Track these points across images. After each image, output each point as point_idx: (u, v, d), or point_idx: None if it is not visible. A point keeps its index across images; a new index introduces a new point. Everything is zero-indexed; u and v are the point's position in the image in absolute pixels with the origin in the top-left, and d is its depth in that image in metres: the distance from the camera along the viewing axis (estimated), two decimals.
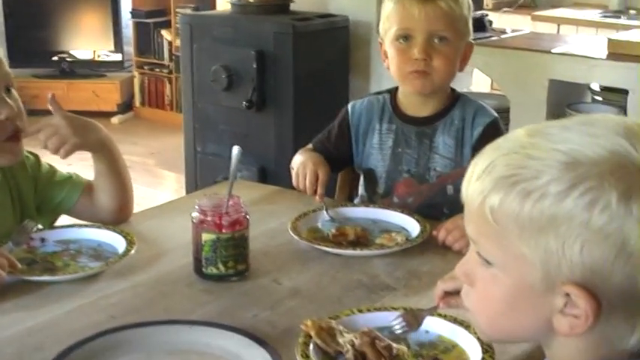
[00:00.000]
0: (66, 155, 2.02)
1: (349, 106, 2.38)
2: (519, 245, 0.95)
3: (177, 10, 6.90)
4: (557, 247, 0.92)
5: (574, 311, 0.94)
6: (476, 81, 4.26)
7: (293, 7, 3.90)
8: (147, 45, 7.35)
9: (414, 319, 1.57)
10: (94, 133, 2.09)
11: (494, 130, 2.21)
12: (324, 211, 2.15)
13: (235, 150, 1.94)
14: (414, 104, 2.28)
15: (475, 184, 0.99)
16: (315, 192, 2.18)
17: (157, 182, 5.79)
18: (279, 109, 3.62)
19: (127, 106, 7.48)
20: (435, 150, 2.25)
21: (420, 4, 2.16)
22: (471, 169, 1.01)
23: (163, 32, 7.15)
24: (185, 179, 4.19)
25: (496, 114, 2.28)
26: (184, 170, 4.17)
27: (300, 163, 2.24)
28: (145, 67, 7.41)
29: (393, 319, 1.58)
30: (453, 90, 2.32)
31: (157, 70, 7.32)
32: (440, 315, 1.60)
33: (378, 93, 2.40)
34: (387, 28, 2.23)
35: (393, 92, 2.34)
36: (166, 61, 7.21)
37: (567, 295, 0.94)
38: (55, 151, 2.01)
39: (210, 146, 3.87)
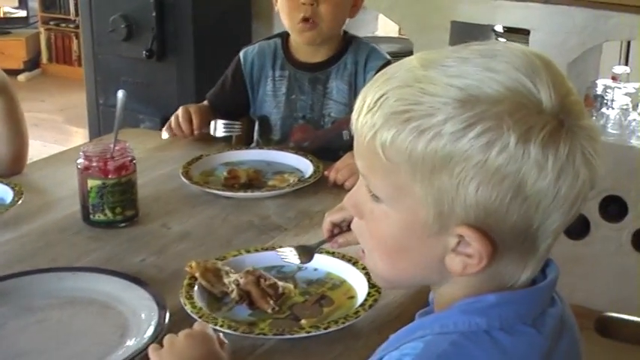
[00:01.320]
0: None
1: (241, 54, 2.35)
2: (412, 184, 0.91)
3: None
4: (452, 187, 0.89)
5: (467, 250, 0.91)
6: (384, 25, 4.23)
7: None
8: (51, 0, 7.18)
9: (304, 252, 1.55)
10: None
11: None
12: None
13: (120, 94, 1.89)
14: (305, 50, 2.26)
15: (365, 117, 0.93)
16: (191, 131, 2.19)
17: (66, 139, 5.68)
18: (180, 58, 3.56)
19: (34, 63, 7.31)
20: (329, 95, 2.24)
21: None
22: (360, 100, 0.95)
23: None
24: (89, 133, 4.12)
25: (388, 56, 2.27)
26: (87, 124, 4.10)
27: (174, 114, 2.22)
28: (51, 23, 7.23)
29: (283, 255, 1.56)
30: (345, 33, 2.29)
31: (64, 25, 7.16)
32: (328, 252, 1.59)
33: (269, 38, 2.36)
34: None
35: (284, 37, 2.31)
36: (72, 16, 7.04)
37: (461, 235, 0.91)
38: None
39: (112, 98, 3.74)
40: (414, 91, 0.90)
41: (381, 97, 0.92)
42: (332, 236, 1.51)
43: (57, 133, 5.78)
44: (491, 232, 0.90)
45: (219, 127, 2.24)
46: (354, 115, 0.96)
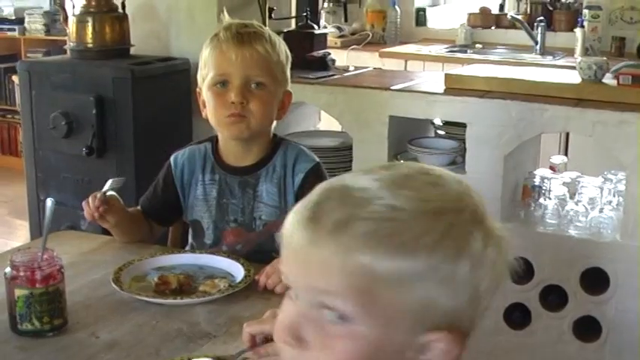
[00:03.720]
0: None
1: (171, 158, 2.36)
2: (390, 298, 0.94)
3: (29, 55, 6.78)
4: (426, 297, 0.95)
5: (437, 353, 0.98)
6: (327, 118, 4.28)
7: (134, 51, 3.86)
8: None
9: None
10: None
11: (314, 176, 2.21)
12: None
13: (49, 203, 1.90)
14: (234, 153, 2.27)
15: (328, 238, 0.95)
16: (99, 213, 2.16)
17: (9, 232, 5.64)
18: (121, 155, 3.56)
19: None
20: (259, 199, 2.25)
21: (237, 47, 2.16)
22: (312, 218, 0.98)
23: (14, 78, 7.00)
24: (29, 228, 4.09)
25: (317, 159, 2.29)
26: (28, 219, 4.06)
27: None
28: None
29: None
30: (275, 136, 2.32)
31: (9, 116, 7.16)
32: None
33: (200, 142, 2.38)
34: (205, 75, 2.22)
35: (214, 141, 2.33)
36: (18, 107, 7.03)
37: (434, 340, 0.97)
38: None
39: (53, 194, 3.75)
40: (383, 209, 0.95)
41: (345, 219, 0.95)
42: (253, 345, 1.51)
43: (0, 226, 5.72)
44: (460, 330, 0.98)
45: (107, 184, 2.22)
46: (297, 233, 0.98)
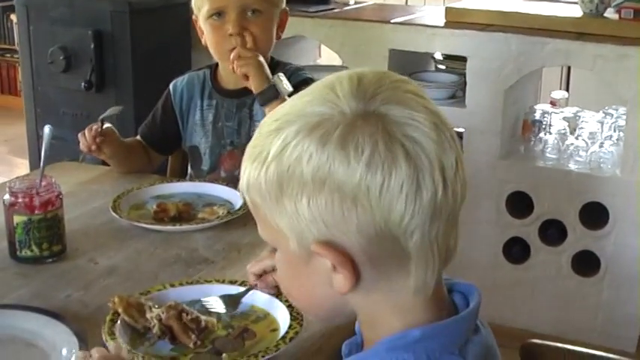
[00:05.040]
0: None
1: (170, 85, 2.36)
2: (272, 218, 0.95)
3: None
4: (292, 209, 0.92)
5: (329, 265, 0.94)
6: (327, 53, 4.25)
7: None
8: None
9: (230, 302, 1.57)
10: None
11: (305, 86, 2.20)
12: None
13: (46, 130, 1.90)
14: (233, 77, 2.26)
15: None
16: (95, 144, 2.17)
17: (10, 170, 5.62)
18: (120, 89, 3.55)
19: None
20: (255, 118, 2.25)
21: None
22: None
23: (12, 16, 6.94)
24: (29, 165, 4.09)
25: (309, 75, 2.28)
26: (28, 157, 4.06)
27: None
28: None
29: (209, 305, 1.57)
30: (272, 59, 2.30)
31: (8, 55, 7.11)
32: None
33: (199, 69, 2.37)
34: (200, 6, 2.21)
35: (213, 67, 2.32)
36: (17, 46, 6.99)
37: (318, 254, 0.93)
38: None
39: (53, 130, 3.77)
40: (253, 138, 0.98)
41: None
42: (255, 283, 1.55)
43: (1, 165, 5.72)
44: (339, 242, 0.92)
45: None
46: None
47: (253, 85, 2.10)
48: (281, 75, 2.11)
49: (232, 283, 1.62)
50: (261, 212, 0.97)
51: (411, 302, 0.97)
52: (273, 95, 2.06)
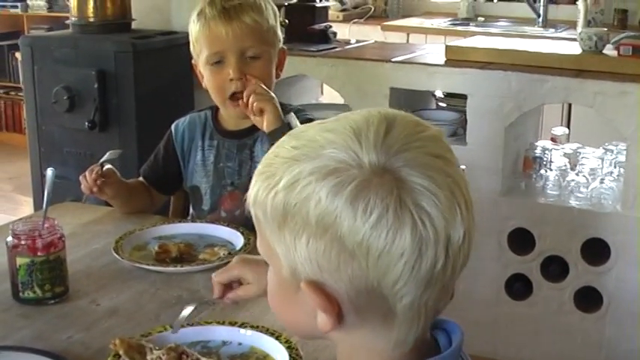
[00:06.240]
0: None
1: (172, 126, 2.38)
2: (271, 239, 0.96)
3: (32, 31, 6.78)
4: (291, 241, 0.93)
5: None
6: (329, 91, 4.28)
7: (136, 25, 3.87)
8: (1, 68, 7.20)
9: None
10: None
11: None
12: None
13: (49, 172, 1.92)
14: (234, 119, 2.28)
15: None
16: (97, 186, 2.18)
17: (15, 208, 5.65)
18: (123, 129, 3.57)
19: None
20: (256, 159, 2.26)
21: (225, 23, 2.16)
22: None
23: (17, 55, 6.99)
24: (33, 203, 4.10)
25: (311, 116, 2.30)
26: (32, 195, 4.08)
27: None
28: (1, 91, 7.26)
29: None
30: None
31: (13, 93, 7.17)
32: (252, 326, 1.61)
33: (200, 110, 2.39)
34: (199, 52, 2.23)
35: (215, 108, 2.34)
36: (22, 84, 7.03)
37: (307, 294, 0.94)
38: None
39: (56, 169, 3.74)
40: (270, 155, 0.98)
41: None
42: (222, 295, 1.60)
43: (5, 202, 5.76)
44: (328, 287, 0.93)
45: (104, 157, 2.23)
46: None
47: (267, 121, 2.10)
48: (292, 115, 2.13)
49: (232, 324, 1.64)
50: (262, 228, 0.98)
51: (390, 351, 0.98)
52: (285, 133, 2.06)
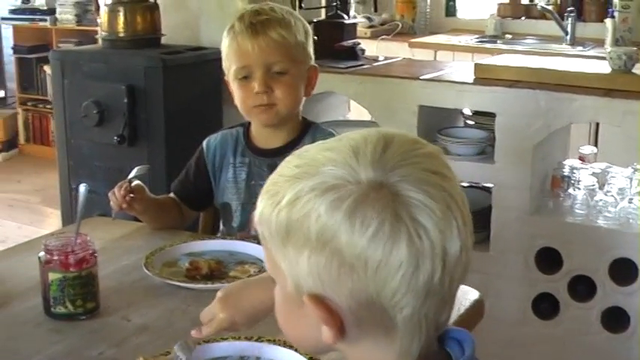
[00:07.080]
0: None
1: (204, 142, 2.39)
2: (276, 256, 1.00)
3: (60, 45, 6.84)
4: (294, 257, 0.97)
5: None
6: (356, 108, 4.29)
7: (165, 40, 3.89)
8: (30, 81, 7.27)
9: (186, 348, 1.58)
10: None
11: None
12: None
13: (82, 188, 1.94)
14: (265, 136, 2.30)
15: None
16: (126, 202, 2.20)
17: (41, 220, 5.70)
18: (152, 143, 3.59)
19: (11, 144, 7.36)
20: None
21: (252, 38, 2.18)
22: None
23: (46, 68, 7.06)
24: (61, 217, 4.13)
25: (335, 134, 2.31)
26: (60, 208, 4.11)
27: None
28: (29, 104, 7.32)
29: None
30: (304, 119, 2.34)
31: (41, 106, 7.24)
32: (270, 340, 1.64)
33: (232, 127, 2.41)
34: (228, 67, 2.25)
35: (246, 125, 2.35)
36: (50, 97, 7.11)
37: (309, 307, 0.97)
38: None
39: (85, 183, 3.79)
40: (275, 174, 1.03)
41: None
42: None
43: (32, 214, 5.79)
44: (330, 300, 0.96)
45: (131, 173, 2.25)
46: None
47: None
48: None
49: (249, 339, 1.64)
50: (268, 245, 1.02)
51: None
52: None
